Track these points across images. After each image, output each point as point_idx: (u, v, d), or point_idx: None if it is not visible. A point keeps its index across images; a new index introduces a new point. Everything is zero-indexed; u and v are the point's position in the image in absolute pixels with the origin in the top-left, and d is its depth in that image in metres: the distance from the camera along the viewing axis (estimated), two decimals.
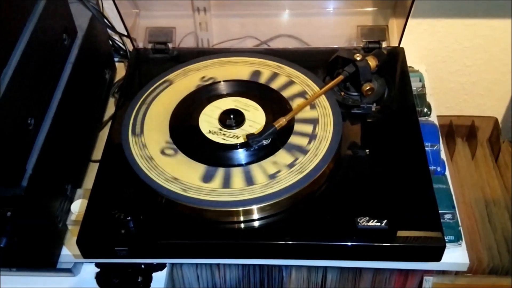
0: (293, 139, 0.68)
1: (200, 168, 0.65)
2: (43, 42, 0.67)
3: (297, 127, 0.69)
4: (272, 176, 0.63)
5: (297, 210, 0.63)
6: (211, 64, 0.79)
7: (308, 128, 0.69)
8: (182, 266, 0.78)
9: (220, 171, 0.65)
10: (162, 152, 0.67)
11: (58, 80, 0.71)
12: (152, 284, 0.75)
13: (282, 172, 0.64)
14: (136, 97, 0.75)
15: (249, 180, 0.63)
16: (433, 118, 0.82)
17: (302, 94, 0.73)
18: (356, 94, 0.74)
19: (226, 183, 0.63)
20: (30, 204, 0.61)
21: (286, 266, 0.77)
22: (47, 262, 0.68)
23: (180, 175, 0.64)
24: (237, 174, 0.64)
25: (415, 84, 0.82)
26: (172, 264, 0.77)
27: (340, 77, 0.73)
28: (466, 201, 0.87)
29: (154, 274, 0.75)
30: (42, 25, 0.66)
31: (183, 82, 0.77)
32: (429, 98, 0.83)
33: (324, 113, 0.70)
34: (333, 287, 0.80)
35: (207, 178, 0.64)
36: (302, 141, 0.67)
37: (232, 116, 0.70)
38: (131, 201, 0.63)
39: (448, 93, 1.02)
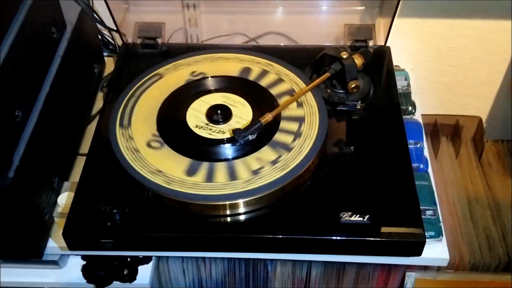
0: (278, 136, 0.68)
1: (184, 162, 0.66)
2: (32, 35, 0.67)
3: (283, 124, 0.70)
4: (255, 172, 0.64)
5: (282, 204, 0.63)
6: (202, 59, 0.80)
7: (294, 126, 0.69)
8: (168, 260, 0.79)
9: (205, 165, 0.65)
10: (148, 145, 0.68)
11: (46, 73, 0.71)
12: (138, 277, 0.75)
13: (265, 169, 0.64)
14: (125, 90, 0.75)
15: (232, 175, 0.64)
16: (418, 117, 0.83)
17: (289, 91, 0.74)
18: (342, 91, 0.75)
19: (210, 178, 0.64)
20: (16, 195, 0.61)
21: (271, 260, 0.78)
22: (33, 254, 0.68)
23: (165, 168, 0.65)
24: (221, 169, 0.65)
25: (400, 83, 0.83)
26: (158, 258, 0.78)
27: (327, 75, 0.74)
28: (449, 198, 0.88)
29: (140, 267, 0.76)
30: (30, 18, 0.66)
31: (173, 76, 0.77)
32: (414, 97, 0.84)
33: (310, 111, 0.71)
34: (317, 282, 0.81)
35: (191, 171, 0.65)
36: (287, 139, 0.68)
37: (219, 112, 0.70)
38: (117, 194, 0.64)
39: (433, 92, 1.03)
